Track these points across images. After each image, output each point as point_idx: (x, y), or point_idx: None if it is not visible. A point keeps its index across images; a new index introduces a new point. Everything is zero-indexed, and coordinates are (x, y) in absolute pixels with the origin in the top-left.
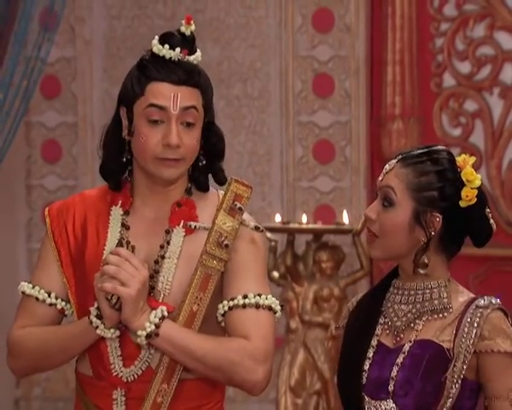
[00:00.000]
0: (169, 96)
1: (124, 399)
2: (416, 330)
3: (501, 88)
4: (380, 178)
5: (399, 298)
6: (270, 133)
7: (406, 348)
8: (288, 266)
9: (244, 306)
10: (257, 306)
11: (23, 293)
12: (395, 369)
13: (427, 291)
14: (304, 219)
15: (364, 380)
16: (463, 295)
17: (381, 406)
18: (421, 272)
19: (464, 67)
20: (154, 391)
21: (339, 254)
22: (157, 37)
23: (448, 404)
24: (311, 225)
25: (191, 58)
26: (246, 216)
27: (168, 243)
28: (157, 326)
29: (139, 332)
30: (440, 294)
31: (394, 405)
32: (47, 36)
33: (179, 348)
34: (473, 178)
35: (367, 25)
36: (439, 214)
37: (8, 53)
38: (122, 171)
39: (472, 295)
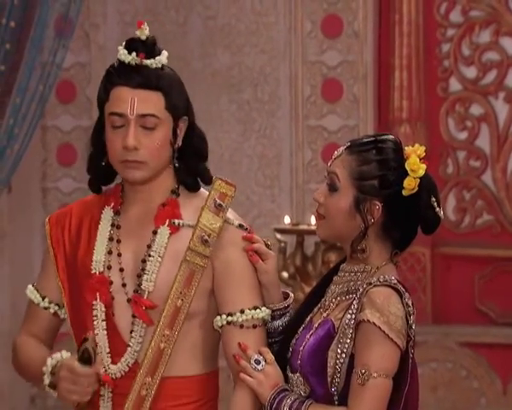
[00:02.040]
0: (127, 100)
1: (110, 395)
2: (328, 309)
3: (506, 93)
4: (328, 164)
5: (336, 279)
6: (280, 137)
7: (315, 325)
8: (298, 266)
9: (241, 326)
10: (254, 326)
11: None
12: (303, 344)
13: (352, 274)
14: (313, 220)
15: (289, 354)
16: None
17: (293, 378)
18: (360, 256)
19: (470, 72)
20: (139, 384)
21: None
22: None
23: (337, 380)
24: None
25: (148, 62)
26: (231, 215)
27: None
28: None
29: None
30: (358, 277)
31: (302, 378)
32: (62, 42)
33: None
34: (416, 167)
35: (375, 31)
36: (378, 203)
37: (24, 58)
38: (104, 174)
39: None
